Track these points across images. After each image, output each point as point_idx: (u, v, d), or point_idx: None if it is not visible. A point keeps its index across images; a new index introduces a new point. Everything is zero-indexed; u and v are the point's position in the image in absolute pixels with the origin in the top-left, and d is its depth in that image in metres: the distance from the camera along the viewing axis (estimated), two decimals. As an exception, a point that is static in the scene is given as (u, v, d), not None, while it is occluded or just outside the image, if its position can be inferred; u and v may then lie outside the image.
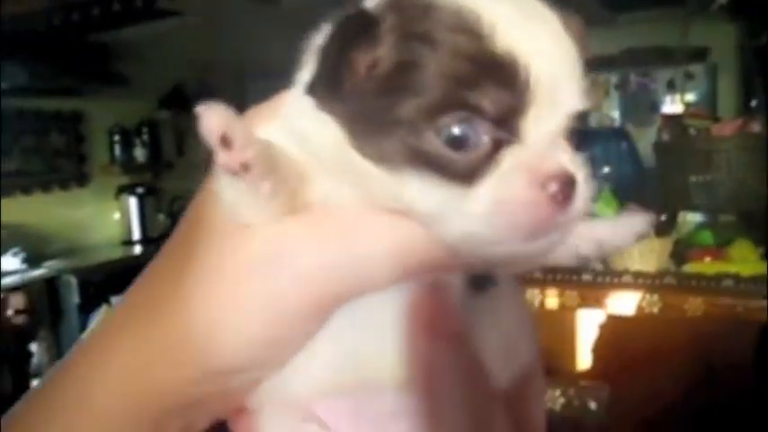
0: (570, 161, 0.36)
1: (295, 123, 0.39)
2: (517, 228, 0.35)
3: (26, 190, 4.13)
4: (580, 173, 0.36)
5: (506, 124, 0.35)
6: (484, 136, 0.35)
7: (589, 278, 2.36)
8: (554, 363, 2.18)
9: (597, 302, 2.14)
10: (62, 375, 0.43)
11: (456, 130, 0.34)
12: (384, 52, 0.35)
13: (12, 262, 3.70)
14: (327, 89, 0.36)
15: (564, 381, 1.92)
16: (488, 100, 0.34)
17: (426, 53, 0.34)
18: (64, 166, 4.36)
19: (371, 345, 0.40)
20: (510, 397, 0.42)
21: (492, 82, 0.34)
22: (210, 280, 0.37)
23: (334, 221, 0.37)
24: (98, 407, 0.40)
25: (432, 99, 0.34)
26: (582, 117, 0.38)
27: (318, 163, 0.38)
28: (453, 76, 0.34)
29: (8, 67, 3.76)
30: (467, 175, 0.35)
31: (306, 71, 0.39)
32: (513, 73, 0.34)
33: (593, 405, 1.85)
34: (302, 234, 0.37)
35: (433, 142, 0.34)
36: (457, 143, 0.34)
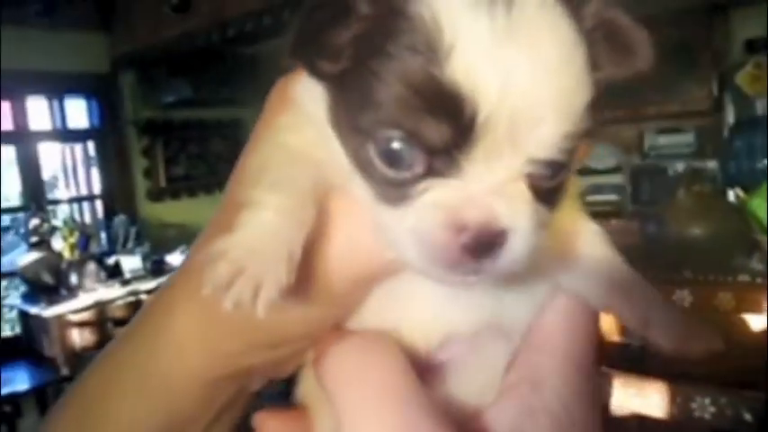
0: (509, 211, 0.32)
1: (305, 103, 0.39)
2: (433, 262, 0.33)
3: (191, 193, 4.55)
4: (521, 226, 0.33)
5: (443, 157, 0.33)
6: (418, 162, 0.33)
7: (746, 279, 2.20)
8: (706, 369, 2.05)
9: (755, 306, 1.99)
10: (125, 341, 0.48)
11: (392, 147, 0.33)
12: (346, 45, 0.34)
13: (180, 259, 4.08)
14: (304, 62, 0.36)
15: (715, 389, 1.80)
16: (426, 129, 0.32)
17: (381, 64, 0.33)
18: (224, 170, 4.71)
19: (413, 316, 0.41)
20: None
21: (433, 112, 0.32)
22: None
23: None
24: (162, 368, 0.44)
25: (377, 111, 0.33)
26: (560, 166, 0.34)
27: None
28: (399, 96, 0.32)
29: (175, 82, 4.16)
30: (397, 193, 0.34)
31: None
32: (456, 107, 0.31)
33: (747, 416, 1.72)
34: (348, 215, 0.38)
35: (370, 152, 0.34)
36: (391, 160, 0.33)
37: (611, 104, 3.26)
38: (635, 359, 2.80)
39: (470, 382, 0.42)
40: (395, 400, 0.36)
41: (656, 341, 0.38)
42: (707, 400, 1.75)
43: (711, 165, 3.30)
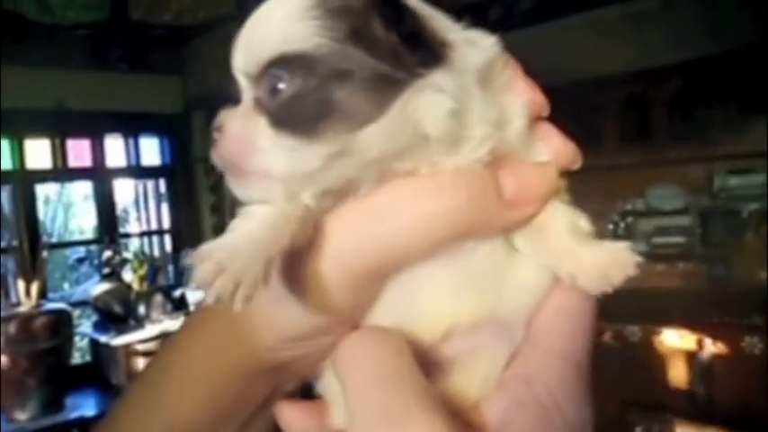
0: (232, 122, 0.42)
1: None
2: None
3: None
4: (235, 132, 0.41)
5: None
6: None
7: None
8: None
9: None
10: (172, 344, 0.53)
11: None
12: None
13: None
14: None
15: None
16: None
17: None
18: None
19: (417, 310, 0.43)
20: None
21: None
22: None
23: (367, 200, 0.40)
24: (197, 370, 0.49)
25: None
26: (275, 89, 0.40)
27: None
28: None
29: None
30: None
31: None
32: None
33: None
34: (338, 217, 0.41)
35: None
36: None
37: (678, 143, 3.21)
38: (699, 407, 2.68)
39: (471, 377, 0.43)
40: (391, 384, 0.38)
41: (584, 287, 0.42)
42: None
43: (786, 207, 3.18)
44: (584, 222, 0.44)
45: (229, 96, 0.44)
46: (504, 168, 0.41)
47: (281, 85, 0.39)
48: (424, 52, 0.39)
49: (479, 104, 0.41)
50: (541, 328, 0.43)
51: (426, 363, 0.41)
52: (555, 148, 0.44)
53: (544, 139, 0.45)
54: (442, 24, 0.42)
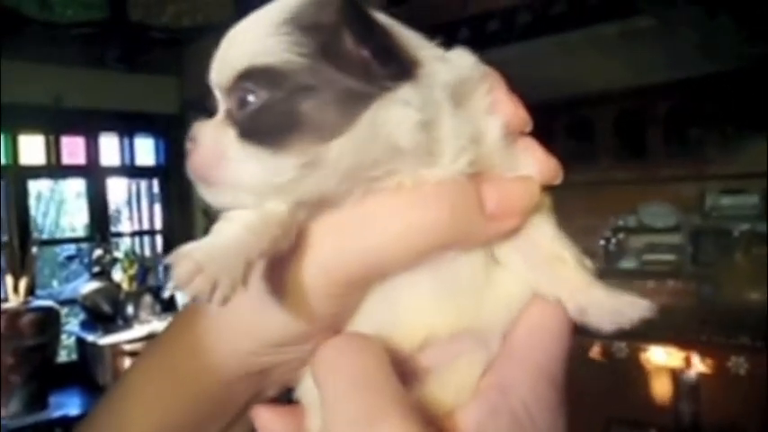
0: (203, 133, 0.43)
1: None
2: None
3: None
4: (204, 138, 0.43)
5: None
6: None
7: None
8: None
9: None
10: (156, 344, 0.54)
11: None
12: None
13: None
14: None
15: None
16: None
17: None
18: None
19: (398, 319, 0.44)
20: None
21: None
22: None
23: (352, 210, 0.41)
24: (180, 372, 0.49)
25: None
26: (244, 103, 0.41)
27: None
28: None
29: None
30: None
31: None
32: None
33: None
34: (322, 226, 0.41)
35: None
36: None
37: (672, 161, 3.22)
38: (685, 425, 2.68)
39: (447, 385, 0.44)
40: (368, 389, 0.39)
41: (596, 326, 0.43)
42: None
43: (777, 228, 3.19)
44: (588, 263, 0.45)
45: (208, 110, 0.44)
46: (486, 181, 0.42)
47: (250, 98, 0.40)
48: (394, 67, 0.40)
49: (451, 118, 0.41)
50: (518, 342, 0.44)
51: (404, 371, 0.42)
52: (537, 162, 0.45)
53: (526, 150, 0.45)
54: (414, 42, 0.43)
